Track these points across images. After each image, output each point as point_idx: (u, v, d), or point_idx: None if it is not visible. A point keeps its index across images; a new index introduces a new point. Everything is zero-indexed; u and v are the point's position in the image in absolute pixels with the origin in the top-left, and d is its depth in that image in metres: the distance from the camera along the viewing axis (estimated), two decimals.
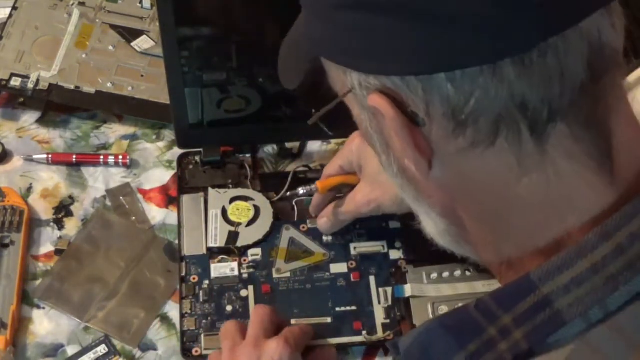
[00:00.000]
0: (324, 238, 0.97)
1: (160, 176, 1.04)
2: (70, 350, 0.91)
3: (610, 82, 0.51)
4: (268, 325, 0.84)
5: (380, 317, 0.91)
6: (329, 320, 0.91)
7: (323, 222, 0.95)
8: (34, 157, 1.04)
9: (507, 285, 0.54)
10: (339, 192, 0.93)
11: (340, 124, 0.61)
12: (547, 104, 0.49)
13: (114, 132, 1.08)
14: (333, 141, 1.07)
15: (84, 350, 0.91)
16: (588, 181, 0.51)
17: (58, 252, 0.97)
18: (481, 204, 0.55)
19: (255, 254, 0.95)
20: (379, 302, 0.92)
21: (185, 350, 0.90)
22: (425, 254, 0.95)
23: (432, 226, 0.60)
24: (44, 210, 1.01)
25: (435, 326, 0.57)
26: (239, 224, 0.96)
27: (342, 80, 0.55)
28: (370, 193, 0.89)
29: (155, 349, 0.92)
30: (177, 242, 0.97)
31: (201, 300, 0.92)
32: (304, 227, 0.97)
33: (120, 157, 1.04)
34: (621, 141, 0.52)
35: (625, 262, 0.50)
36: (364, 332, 0.90)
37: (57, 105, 1.07)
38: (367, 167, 0.89)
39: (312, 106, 0.62)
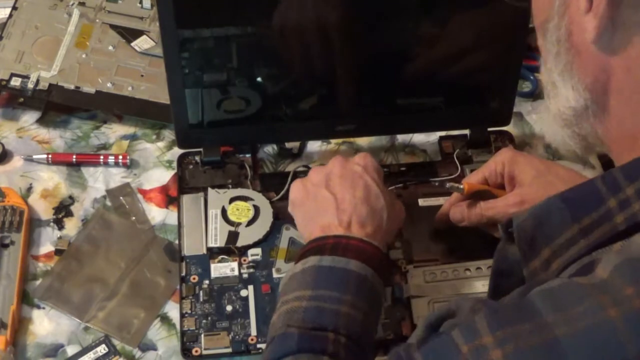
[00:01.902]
0: None
1: (160, 176, 1.04)
2: (70, 350, 0.91)
3: None
4: None
5: (380, 317, 0.91)
6: None
7: (457, 210, 0.94)
8: (34, 157, 1.04)
9: (638, 157, 0.56)
10: (474, 201, 0.93)
11: None
12: None
13: (114, 132, 1.08)
14: (333, 141, 1.07)
15: (84, 350, 0.91)
16: None
17: (58, 252, 0.97)
18: (638, 82, 0.56)
19: (255, 253, 0.95)
20: None
21: (185, 350, 0.90)
22: (425, 254, 0.96)
23: (565, 103, 0.60)
24: (44, 210, 1.01)
25: (554, 199, 0.59)
26: (239, 224, 0.96)
27: None
28: (525, 195, 0.89)
29: (155, 349, 0.92)
30: (177, 242, 0.97)
31: (201, 300, 0.92)
32: None
33: (120, 157, 1.04)
34: None
35: None
36: None
37: (57, 105, 1.07)
38: (521, 175, 0.91)
39: None
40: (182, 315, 0.91)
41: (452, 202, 0.95)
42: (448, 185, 0.92)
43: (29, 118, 1.08)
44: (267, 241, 0.96)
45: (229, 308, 0.92)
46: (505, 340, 0.52)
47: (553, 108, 0.62)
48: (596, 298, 0.52)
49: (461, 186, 0.91)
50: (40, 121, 1.08)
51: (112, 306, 0.94)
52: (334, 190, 0.86)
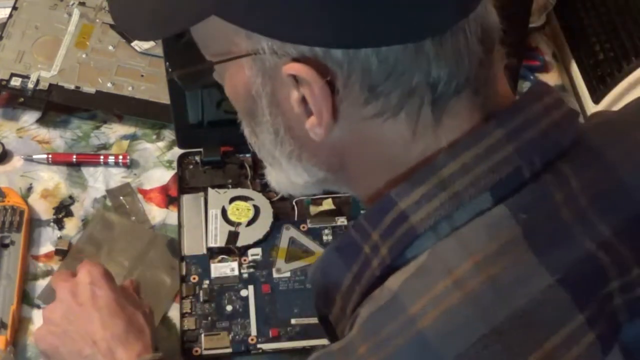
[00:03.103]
0: (324, 238, 0.97)
1: (160, 176, 1.04)
2: None
3: (496, 55, 0.57)
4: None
5: None
6: None
7: None
8: (34, 157, 1.04)
9: (374, 204, 0.58)
10: None
11: (197, 82, 0.63)
12: (454, 80, 0.54)
13: (114, 132, 1.08)
14: None
15: None
16: (465, 129, 0.57)
17: (58, 252, 0.97)
18: (371, 161, 0.59)
19: (255, 253, 0.95)
20: None
21: (185, 350, 0.90)
22: None
23: (299, 177, 0.62)
24: (44, 210, 1.01)
25: (330, 250, 0.61)
26: (239, 224, 0.96)
27: (233, 42, 0.55)
28: None
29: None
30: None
31: (201, 300, 0.92)
32: (304, 227, 0.97)
33: (120, 157, 1.04)
34: (497, 96, 0.58)
35: (470, 180, 0.55)
36: None
37: (57, 105, 1.07)
38: None
39: (170, 60, 0.63)
40: (182, 315, 0.91)
41: None
42: None
43: (29, 118, 1.08)
44: (267, 241, 0.96)
45: (229, 308, 0.92)
46: None
47: (284, 177, 0.63)
48: None
49: None
50: (40, 121, 1.08)
51: None
52: (80, 325, 0.81)
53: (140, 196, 1.02)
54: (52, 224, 0.99)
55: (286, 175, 0.62)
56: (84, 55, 1.10)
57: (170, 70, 0.63)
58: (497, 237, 0.54)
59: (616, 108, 0.64)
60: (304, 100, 0.55)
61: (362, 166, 0.60)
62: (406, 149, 0.57)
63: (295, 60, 0.53)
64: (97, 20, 1.13)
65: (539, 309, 0.52)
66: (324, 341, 0.89)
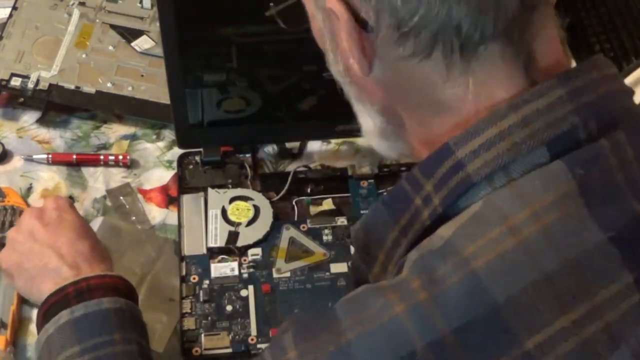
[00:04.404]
0: (324, 238, 0.97)
1: (160, 176, 1.04)
2: None
3: (539, 15, 0.58)
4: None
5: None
6: None
7: None
8: (34, 157, 1.04)
9: (430, 154, 0.59)
10: None
11: (295, 20, 0.66)
12: (479, 29, 0.55)
13: (114, 132, 1.08)
14: (333, 141, 1.07)
15: None
16: (505, 83, 0.58)
17: None
18: (415, 102, 0.61)
19: (255, 253, 0.95)
20: None
21: (185, 350, 0.90)
22: None
23: (370, 124, 0.65)
24: None
25: (377, 205, 0.63)
26: (239, 224, 0.96)
27: None
28: None
29: (155, 349, 0.92)
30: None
31: (201, 300, 0.92)
32: (304, 227, 0.97)
33: (120, 157, 1.04)
34: (542, 57, 0.59)
35: (528, 133, 0.56)
36: None
37: (57, 105, 1.07)
38: None
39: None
40: (182, 315, 0.91)
41: None
42: None
43: (29, 118, 1.08)
44: (267, 241, 0.96)
45: (229, 308, 0.92)
46: (307, 351, 0.56)
47: (363, 124, 0.66)
48: (387, 297, 0.54)
49: None
50: (40, 121, 1.08)
51: None
52: (46, 241, 0.84)
53: (140, 196, 1.02)
54: None
55: (364, 123, 0.65)
56: (84, 55, 1.10)
57: (272, 5, 0.68)
58: (553, 190, 0.55)
59: None
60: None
61: (410, 110, 0.62)
62: (443, 92, 0.58)
63: None
64: (97, 20, 1.13)
65: (591, 262, 0.54)
66: None
